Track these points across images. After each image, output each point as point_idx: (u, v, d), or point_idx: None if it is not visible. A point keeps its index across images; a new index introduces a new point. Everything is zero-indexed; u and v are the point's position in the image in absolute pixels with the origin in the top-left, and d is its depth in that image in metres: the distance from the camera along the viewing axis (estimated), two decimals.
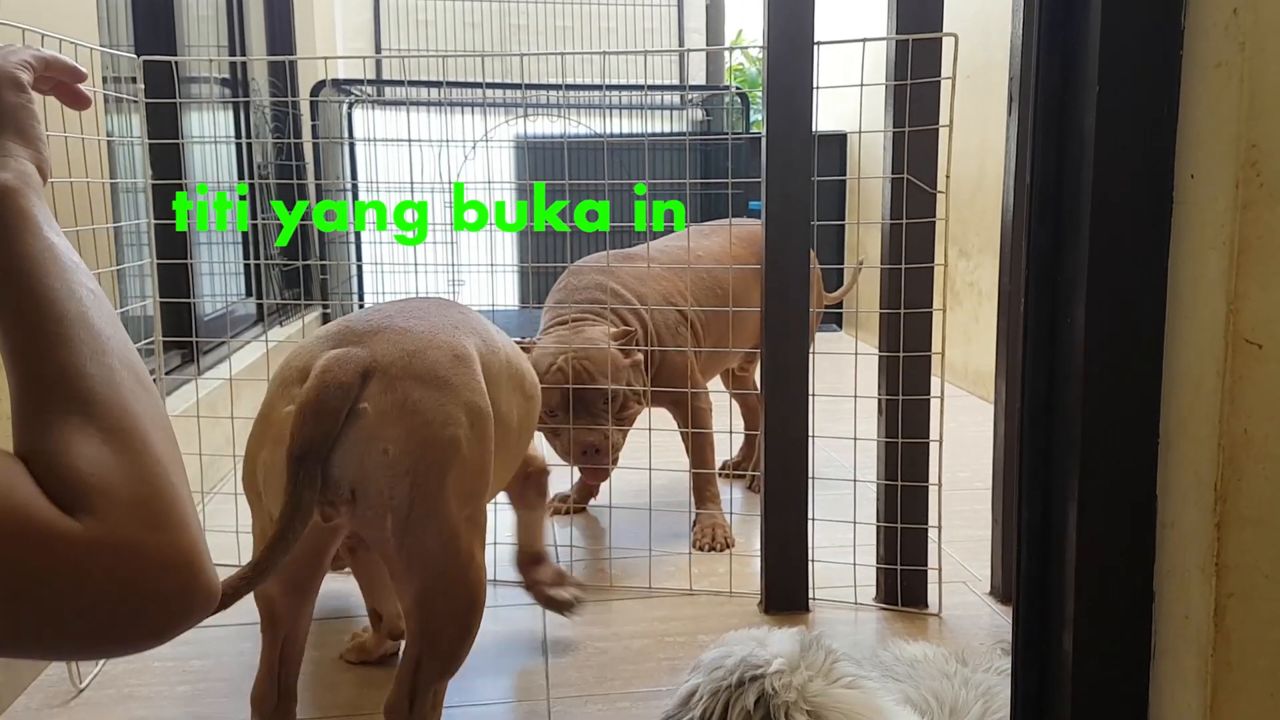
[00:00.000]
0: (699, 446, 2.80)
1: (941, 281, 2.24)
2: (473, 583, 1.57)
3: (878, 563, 2.33)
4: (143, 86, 2.37)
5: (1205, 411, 0.91)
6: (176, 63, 2.51)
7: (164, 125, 2.78)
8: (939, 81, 2.17)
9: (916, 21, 2.16)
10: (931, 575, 2.29)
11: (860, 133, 2.31)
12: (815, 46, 2.17)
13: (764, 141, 2.21)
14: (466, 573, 1.56)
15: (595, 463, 2.54)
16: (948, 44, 2.16)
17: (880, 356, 2.29)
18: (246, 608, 1.60)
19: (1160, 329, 0.94)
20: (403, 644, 1.68)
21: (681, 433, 2.81)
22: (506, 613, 2.33)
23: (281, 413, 1.50)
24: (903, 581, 2.29)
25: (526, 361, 1.98)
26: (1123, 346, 0.94)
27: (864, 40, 2.22)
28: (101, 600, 0.54)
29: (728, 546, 2.67)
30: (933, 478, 2.25)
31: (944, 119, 2.19)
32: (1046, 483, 0.99)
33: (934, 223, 2.21)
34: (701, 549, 2.66)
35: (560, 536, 2.79)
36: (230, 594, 1.35)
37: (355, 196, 4.91)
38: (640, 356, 2.63)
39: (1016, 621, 1.02)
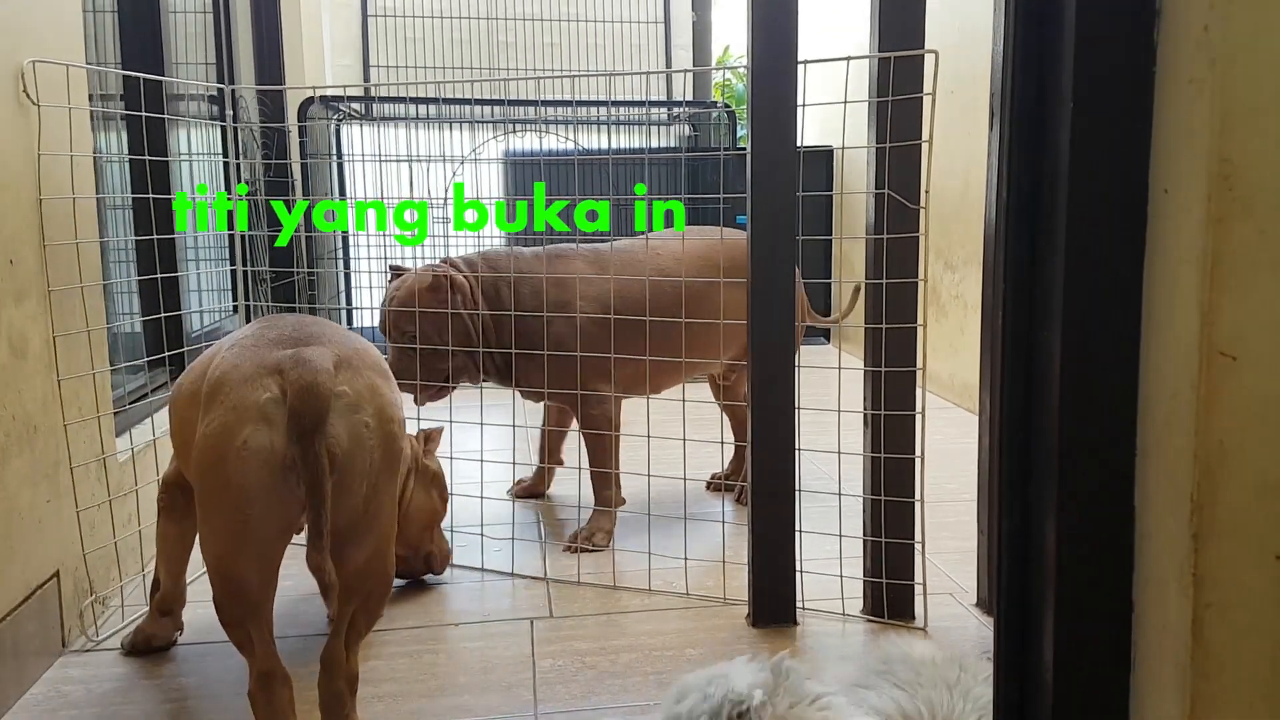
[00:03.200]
0: (591, 448, 2.88)
1: (923, 296, 2.25)
2: (394, 548, 1.86)
3: (864, 575, 2.34)
4: (226, 110, 2.38)
5: (1181, 423, 0.92)
6: (164, 83, 2.52)
7: (154, 143, 2.79)
8: (921, 98, 2.19)
9: (899, 39, 2.18)
10: (917, 588, 2.30)
11: (844, 148, 2.33)
12: (800, 65, 2.19)
13: (749, 158, 2.22)
14: (394, 539, 1.85)
15: None
16: (929, 61, 2.18)
17: (865, 371, 2.30)
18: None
19: (1136, 342, 0.95)
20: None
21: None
22: (494, 627, 2.32)
23: (259, 400, 1.66)
24: (889, 594, 2.29)
25: None
26: (1099, 359, 0.95)
27: (848, 59, 2.24)
28: None
29: (591, 550, 2.76)
30: (917, 492, 2.26)
31: (925, 135, 2.21)
32: (1025, 494, 1.00)
33: (917, 238, 2.23)
34: (567, 549, 2.76)
35: (548, 550, 2.79)
36: (318, 569, 1.59)
37: None
38: (456, 305, 2.78)
39: (998, 632, 1.03)
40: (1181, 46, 0.91)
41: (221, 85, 3.94)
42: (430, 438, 2.57)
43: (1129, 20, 0.93)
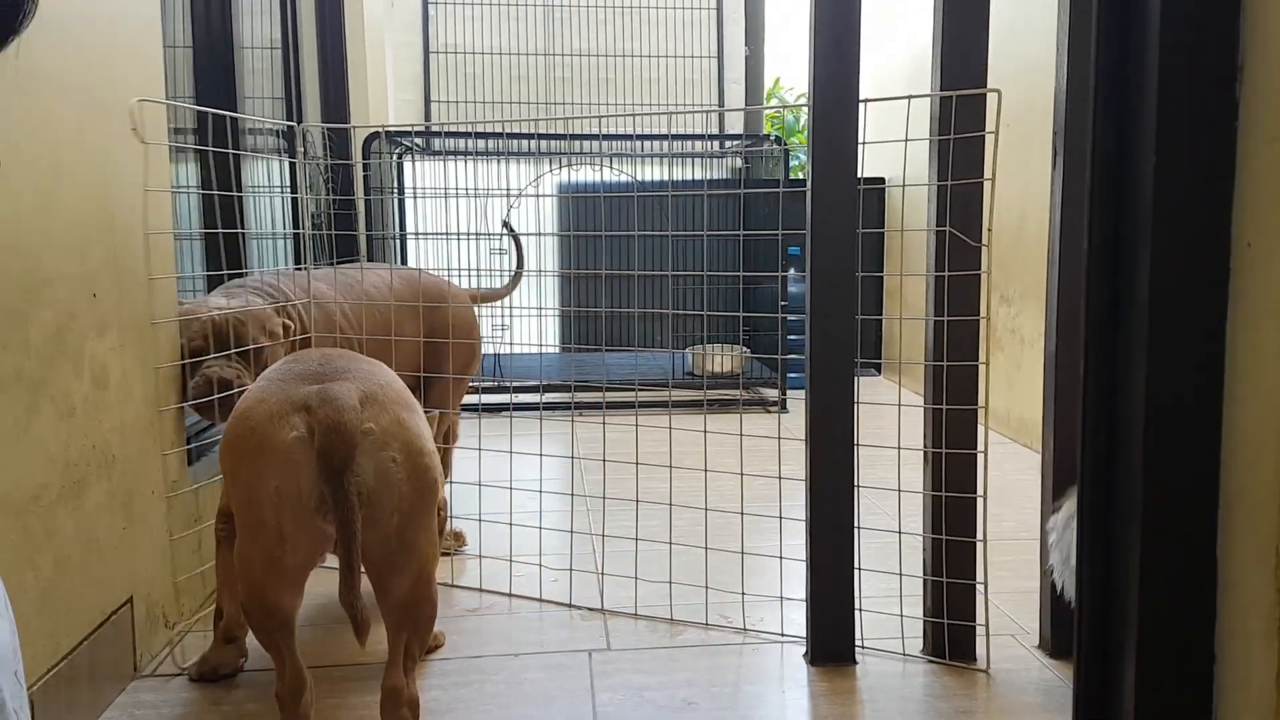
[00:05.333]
0: None
1: (985, 334, 2.25)
2: (435, 574, 1.91)
3: (925, 615, 2.33)
4: (303, 149, 2.46)
5: (1265, 476, 0.92)
6: (237, 119, 2.59)
7: (224, 177, 2.87)
8: (983, 136, 2.20)
9: (961, 76, 2.20)
10: (979, 629, 2.28)
11: (904, 186, 2.34)
12: (861, 104, 2.21)
13: (809, 196, 2.24)
14: (435, 566, 1.89)
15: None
16: (991, 99, 2.19)
17: (926, 409, 2.30)
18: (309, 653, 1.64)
19: (1219, 395, 0.95)
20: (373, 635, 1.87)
21: None
22: (553, 659, 2.34)
23: (286, 440, 1.71)
24: (950, 635, 2.28)
25: None
26: (1182, 410, 0.95)
27: (909, 97, 2.26)
28: None
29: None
30: (979, 531, 2.25)
31: (988, 173, 2.22)
32: (1107, 543, 1.00)
33: (979, 275, 2.23)
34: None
35: (600, 581, 2.80)
36: (349, 605, 1.66)
37: (404, 245, 5.00)
38: (290, 325, 2.73)
39: (1078, 682, 1.03)
40: (1265, 104, 0.92)
41: (291, 124, 4.04)
42: None
43: (1210, 77, 0.94)
